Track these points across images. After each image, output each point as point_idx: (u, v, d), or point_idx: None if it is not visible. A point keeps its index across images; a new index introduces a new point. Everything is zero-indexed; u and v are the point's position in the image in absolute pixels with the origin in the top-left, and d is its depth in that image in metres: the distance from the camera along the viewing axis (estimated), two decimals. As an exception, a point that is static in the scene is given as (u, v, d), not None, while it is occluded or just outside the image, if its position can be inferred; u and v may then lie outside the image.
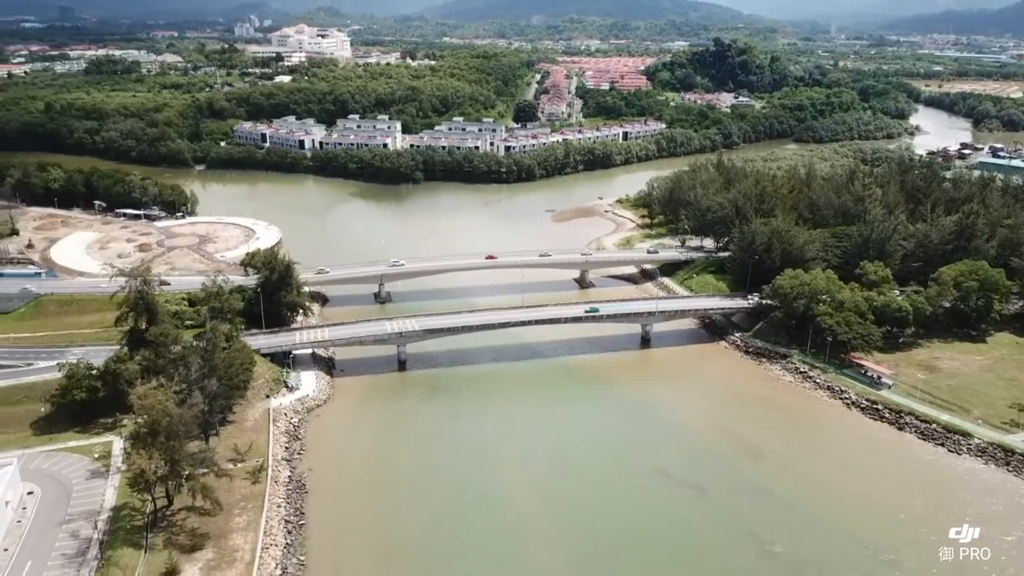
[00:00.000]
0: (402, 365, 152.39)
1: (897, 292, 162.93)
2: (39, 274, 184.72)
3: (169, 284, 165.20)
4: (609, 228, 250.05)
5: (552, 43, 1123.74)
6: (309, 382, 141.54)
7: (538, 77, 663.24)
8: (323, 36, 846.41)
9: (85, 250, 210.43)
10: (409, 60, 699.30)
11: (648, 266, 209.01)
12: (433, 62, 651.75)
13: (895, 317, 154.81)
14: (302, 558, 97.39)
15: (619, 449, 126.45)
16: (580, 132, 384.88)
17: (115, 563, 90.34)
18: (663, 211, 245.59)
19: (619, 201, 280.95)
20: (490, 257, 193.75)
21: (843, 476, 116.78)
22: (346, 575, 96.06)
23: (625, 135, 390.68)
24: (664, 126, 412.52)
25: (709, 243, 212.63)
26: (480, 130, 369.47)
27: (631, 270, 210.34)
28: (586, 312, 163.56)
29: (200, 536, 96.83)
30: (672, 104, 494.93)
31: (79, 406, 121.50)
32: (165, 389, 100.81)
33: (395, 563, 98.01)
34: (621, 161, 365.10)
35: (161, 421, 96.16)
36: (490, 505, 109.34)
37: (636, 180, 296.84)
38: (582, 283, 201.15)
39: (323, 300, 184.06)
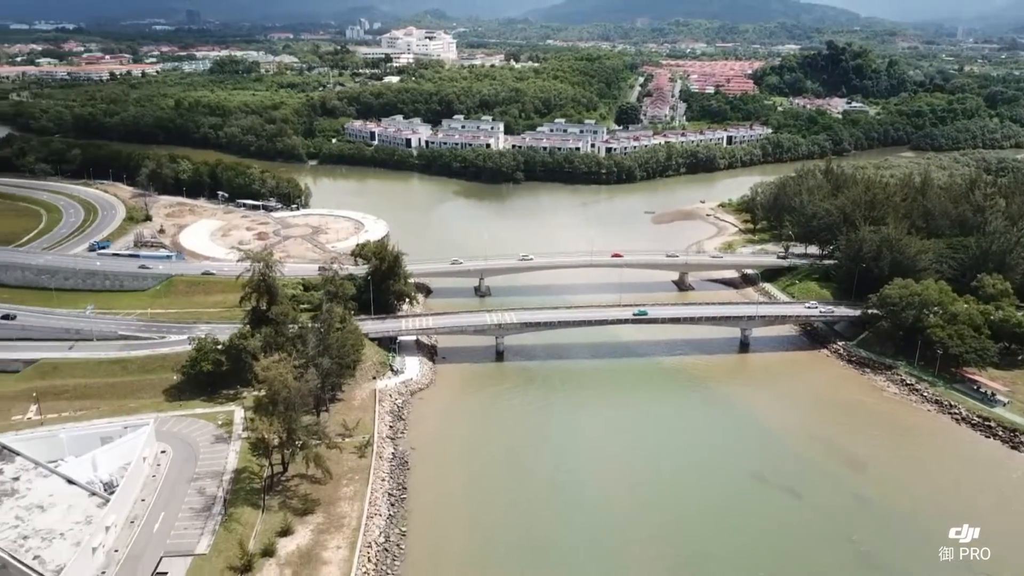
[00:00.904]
0: (500, 356, 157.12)
1: (1017, 307, 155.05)
2: (170, 256, 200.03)
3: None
4: (710, 232, 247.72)
5: (656, 46, 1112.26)
6: (413, 367, 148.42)
7: (641, 80, 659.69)
8: (430, 38, 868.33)
9: (210, 237, 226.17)
10: (513, 62, 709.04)
11: (749, 271, 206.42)
12: (536, 64, 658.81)
13: (1014, 333, 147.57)
14: (403, 529, 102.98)
15: (713, 450, 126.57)
16: (683, 135, 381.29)
17: (236, 519, 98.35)
18: (766, 216, 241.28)
19: (721, 205, 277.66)
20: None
21: (948, 491, 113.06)
22: (444, 548, 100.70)
23: (729, 139, 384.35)
24: (770, 131, 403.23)
25: (813, 250, 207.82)
26: (581, 131, 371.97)
27: (732, 274, 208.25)
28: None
29: (311, 502, 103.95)
30: (779, 109, 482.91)
31: (206, 377, 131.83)
32: (286, 362, 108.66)
33: (489, 543, 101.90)
34: (724, 165, 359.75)
35: (281, 392, 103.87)
36: (583, 498, 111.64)
37: (739, 185, 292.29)
38: (681, 285, 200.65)
39: (427, 291, 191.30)
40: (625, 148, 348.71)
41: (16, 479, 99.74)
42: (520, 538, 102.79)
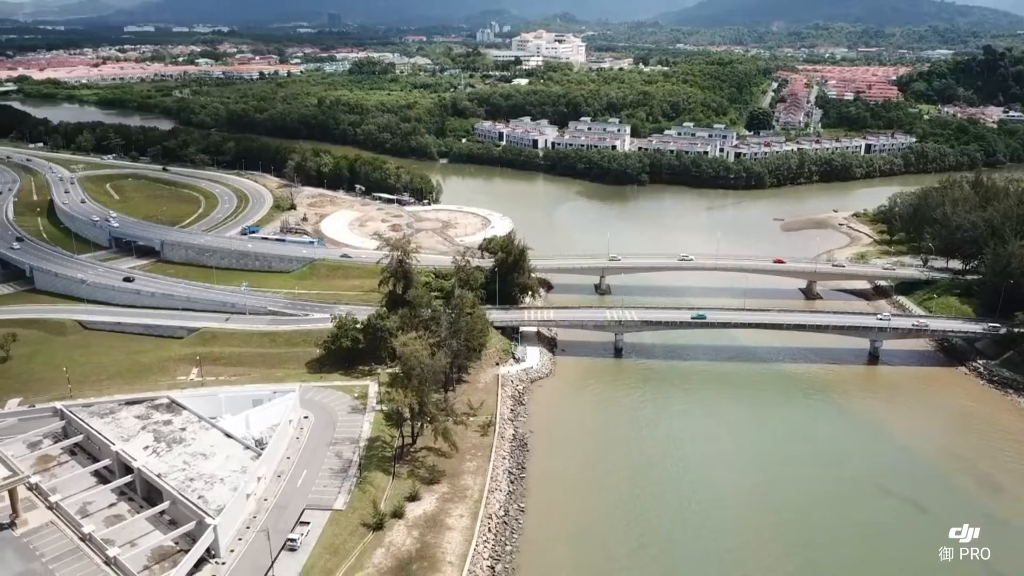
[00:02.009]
0: (618, 352, 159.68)
1: None
2: (313, 243, 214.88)
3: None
4: (842, 241, 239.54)
5: (793, 51, 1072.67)
6: (534, 356, 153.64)
7: (775, 85, 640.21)
8: (560, 41, 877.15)
9: (348, 226, 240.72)
10: (642, 65, 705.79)
11: (883, 282, 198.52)
12: (666, 68, 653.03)
13: None
14: (522, 505, 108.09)
15: (835, 460, 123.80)
16: (817, 142, 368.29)
17: (369, 482, 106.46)
18: (905, 228, 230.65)
19: (856, 215, 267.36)
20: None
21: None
22: (558, 527, 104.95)
23: (868, 147, 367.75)
24: (914, 140, 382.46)
25: (955, 264, 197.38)
26: (710, 136, 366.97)
27: (864, 285, 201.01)
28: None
29: (437, 472, 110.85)
30: (925, 117, 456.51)
31: (344, 353, 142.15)
32: (421, 340, 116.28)
33: (602, 526, 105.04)
34: (861, 174, 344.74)
35: (416, 367, 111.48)
36: (695, 494, 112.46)
37: (876, 195, 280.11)
38: (808, 294, 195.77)
39: (548, 286, 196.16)
40: (755, 153, 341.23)
41: (183, 429, 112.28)
42: (631, 526, 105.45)
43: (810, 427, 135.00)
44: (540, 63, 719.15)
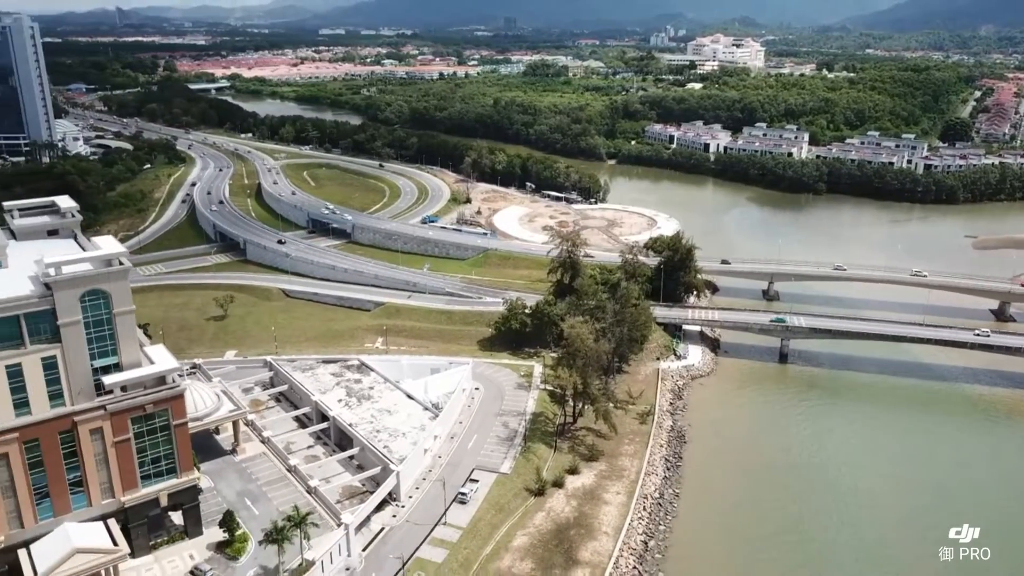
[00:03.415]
0: (783, 358, 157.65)
1: None
2: (486, 234, 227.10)
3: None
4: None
5: (1002, 57, 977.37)
6: (695, 354, 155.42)
7: (977, 94, 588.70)
8: (737, 46, 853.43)
9: (518, 221, 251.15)
10: (825, 71, 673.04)
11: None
12: (852, 74, 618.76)
13: None
14: (677, 490, 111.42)
15: (1013, 494, 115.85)
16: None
17: (533, 452, 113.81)
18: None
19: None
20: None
21: None
22: (711, 515, 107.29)
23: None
24: None
25: None
26: (897, 146, 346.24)
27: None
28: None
29: (596, 451, 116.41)
30: None
31: (512, 334, 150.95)
32: (588, 325, 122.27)
33: (756, 523, 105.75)
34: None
35: (581, 349, 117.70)
36: (854, 508, 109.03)
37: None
38: (1000, 315, 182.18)
39: (713, 289, 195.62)
40: (948, 166, 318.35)
41: (371, 388, 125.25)
42: (786, 529, 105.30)
43: (987, 457, 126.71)
44: (715, 67, 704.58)
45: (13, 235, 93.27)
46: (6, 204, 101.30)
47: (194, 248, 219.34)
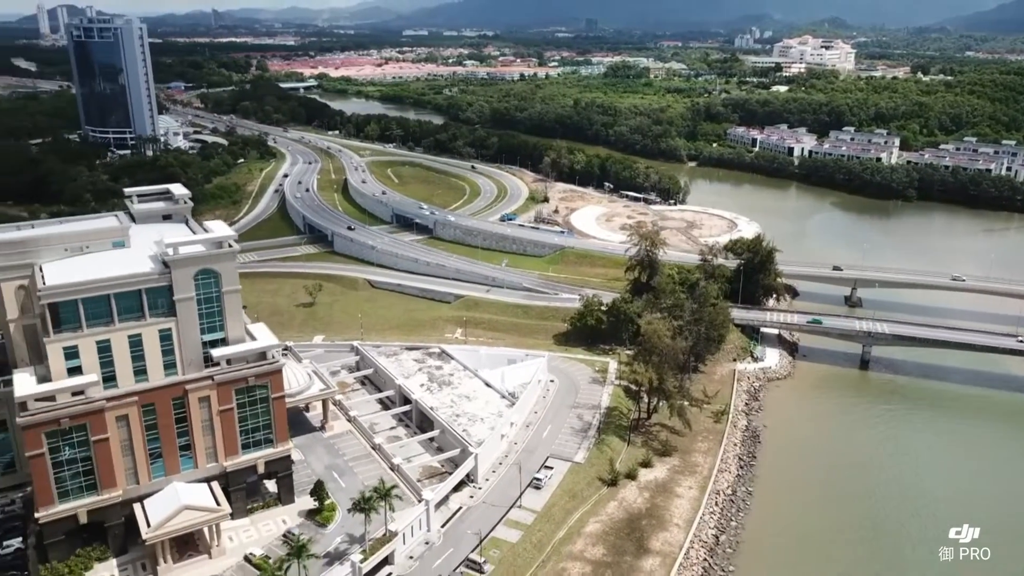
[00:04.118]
0: (864, 364, 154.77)
1: None
2: (563, 232, 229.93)
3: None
4: None
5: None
6: (772, 357, 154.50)
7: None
8: (826, 48, 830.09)
9: (595, 220, 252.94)
10: (920, 74, 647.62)
11: None
12: (949, 77, 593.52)
13: None
14: (750, 489, 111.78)
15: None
16: None
17: (607, 444, 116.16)
18: None
19: None
20: None
21: None
22: (785, 516, 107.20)
23: None
24: None
25: None
26: (996, 152, 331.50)
27: None
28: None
29: (670, 447, 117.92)
30: None
31: (588, 331, 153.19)
32: (665, 322, 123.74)
33: (828, 528, 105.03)
34: None
35: (658, 345, 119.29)
36: (927, 522, 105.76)
37: None
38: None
39: (794, 293, 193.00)
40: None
41: (452, 375, 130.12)
42: (861, 536, 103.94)
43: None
44: (802, 70, 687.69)
45: (133, 219, 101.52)
46: (126, 190, 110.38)
47: (284, 239, 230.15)
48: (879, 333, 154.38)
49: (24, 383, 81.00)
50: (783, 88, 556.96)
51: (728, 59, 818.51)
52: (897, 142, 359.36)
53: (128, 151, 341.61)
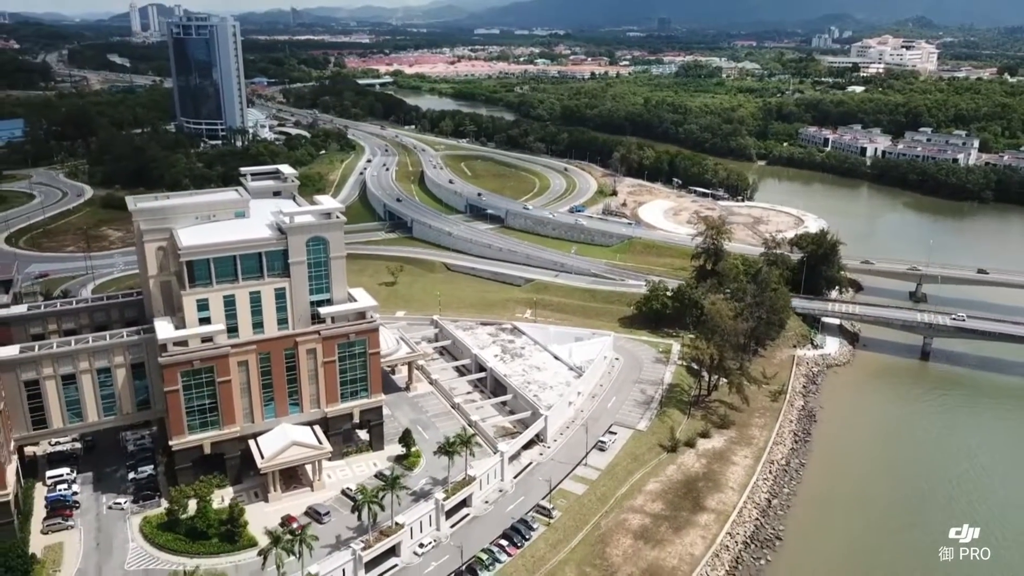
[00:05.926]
0: (925, 356, 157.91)
1: None
2: (630, 224, 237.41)
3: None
4: None
5: None
6: (832, 345, 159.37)
7: None
8: (907, 47, 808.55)
9: (663, 214, 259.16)
10: (1007, 76, 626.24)
11: None
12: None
13: None
14: (804, 462, 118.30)
15: None
16: None
17: (668, 416, 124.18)
18: None
19: None
20: None
21: None
22: (836, 488, 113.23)
23: None
24: None
25: None
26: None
27: None
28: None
29: (728, 421, 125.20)
30: None
31: (653, 315, 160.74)
32: (729, 303, 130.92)
33: (876, 506, 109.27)
34: None
35: (720, 324, 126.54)
36: (977, 513, 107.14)
37: None
38: None
39: (857, 287, 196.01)
40: None
41: (523, 348, 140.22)
42: (910, 514, 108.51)
43: None
44: (880, 70, 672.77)
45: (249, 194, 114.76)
46: (242, 169, 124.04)
47: (366, 224, 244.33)
48: (940, 325, 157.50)
49: (164, 329, 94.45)
50: (859, 88, 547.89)
51: (803, 59, 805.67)
52: (976, 144, 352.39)
53: (219, 141, 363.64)
